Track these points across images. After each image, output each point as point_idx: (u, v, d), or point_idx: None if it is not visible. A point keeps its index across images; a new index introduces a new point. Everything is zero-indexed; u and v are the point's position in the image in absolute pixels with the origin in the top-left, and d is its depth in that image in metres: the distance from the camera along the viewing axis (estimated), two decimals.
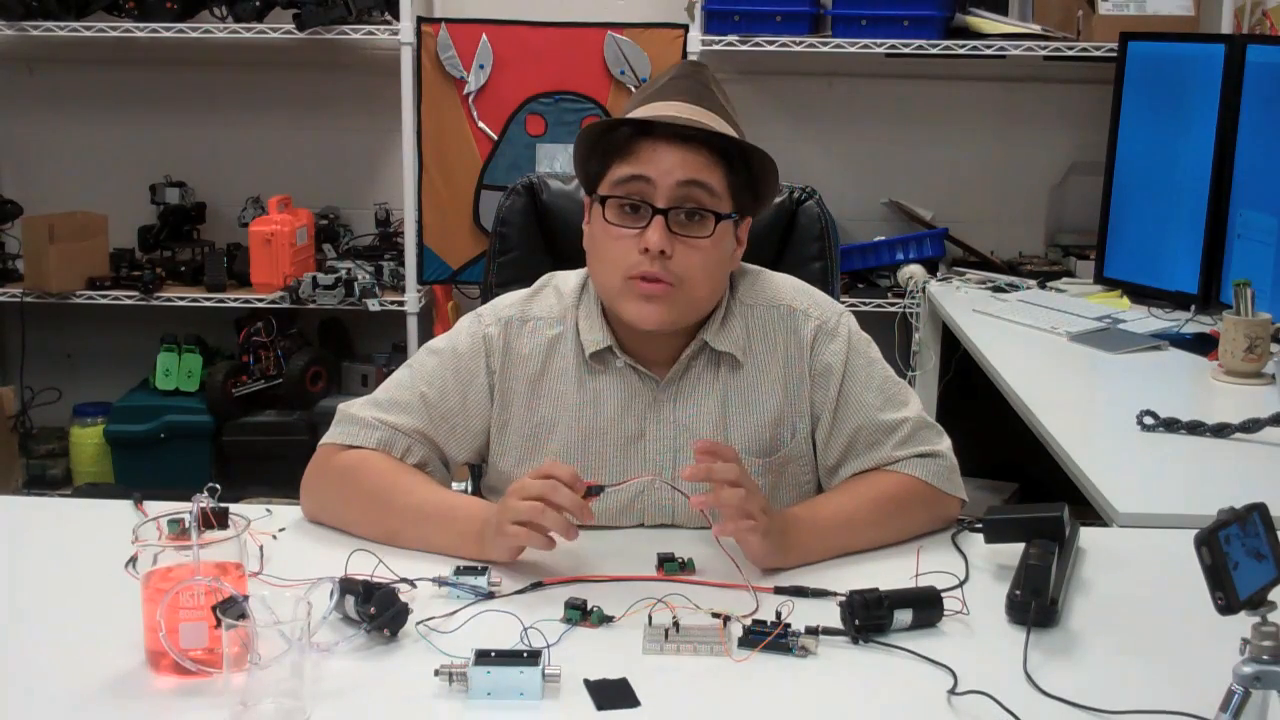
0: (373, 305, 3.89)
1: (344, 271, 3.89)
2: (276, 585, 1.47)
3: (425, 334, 3.96)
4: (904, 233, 4.00)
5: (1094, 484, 2.00)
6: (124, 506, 1.76)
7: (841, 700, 1.32)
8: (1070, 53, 3.75)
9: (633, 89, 3.75)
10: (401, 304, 3.91)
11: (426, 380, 1.77)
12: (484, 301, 1.95)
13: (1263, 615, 1.13)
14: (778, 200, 2.12)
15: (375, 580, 1.45)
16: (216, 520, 1.41)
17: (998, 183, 4.16)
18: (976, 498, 3.37)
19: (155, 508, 1.65)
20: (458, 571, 1.51)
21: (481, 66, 3.79)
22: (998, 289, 3.54)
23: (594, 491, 1.55)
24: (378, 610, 1.39)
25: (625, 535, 1.73)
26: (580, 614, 1.44)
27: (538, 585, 1.53)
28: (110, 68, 4.17)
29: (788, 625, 1.39)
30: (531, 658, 1.30)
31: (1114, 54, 3.53)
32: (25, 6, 3.81)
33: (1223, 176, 3.16)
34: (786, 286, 1.83)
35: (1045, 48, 3.77)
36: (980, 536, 1.65)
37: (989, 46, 3.77)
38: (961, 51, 3.78)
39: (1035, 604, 1.44)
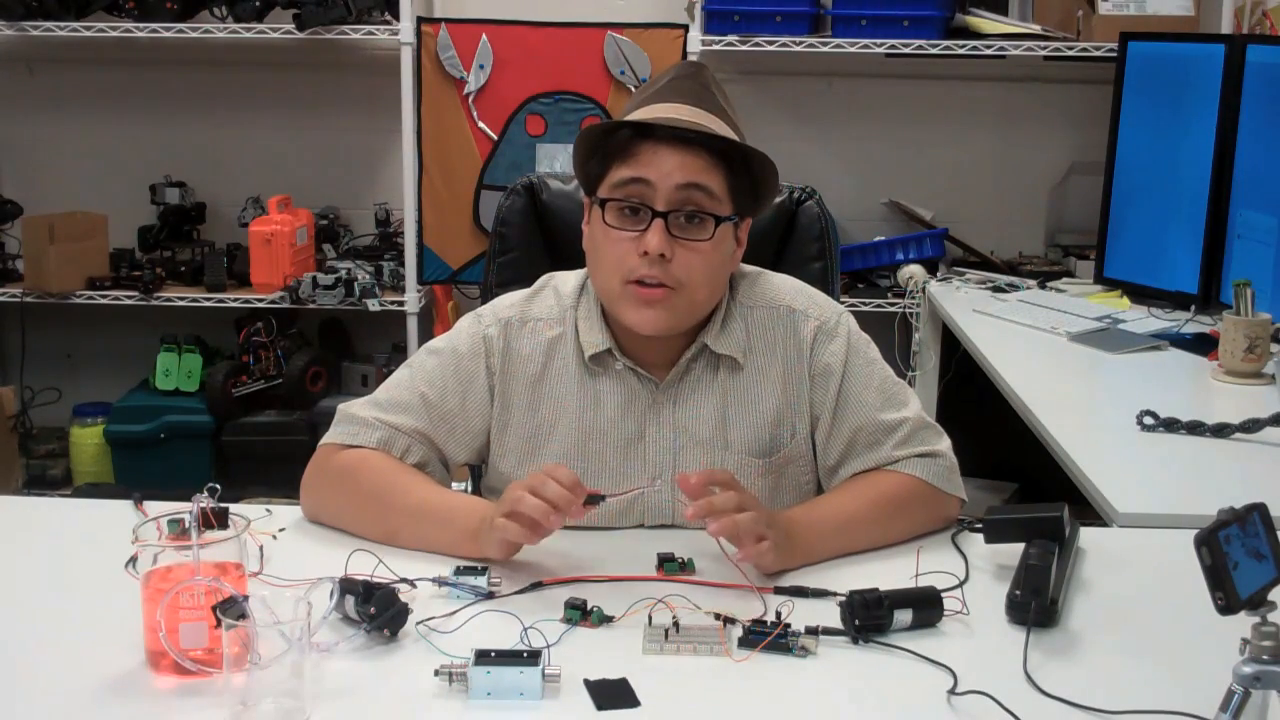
0: (373, 305, 3.89)
1: (344, 271, 3.89)
2: (276, 585, 1.46)
3: (425, 334, 3.96)
4: (904, 233, 4.00)
5: (1094, 484, 2.00)
6: (124, 506, 1.76)
7: (841, 700, 1.32)
8: (1070, 53, 3.75)
9: (633, 89, 3.75)
10: (401, 304, 3.91)
11: (426, 380, 1.77)
12: (484, 301, 1.95)
13: (1263, 615, 1.13)
14: (778, 200, 2.12)
15: (375, 580, 1.45)
16: (216, 520, 1.41)
17: (998, 183, 4.16)
18: (976, 498, 3.37)
19: (155, 508, 1.65)
20: (458, 571, 1.51)
21: (481, 66, 3.79)
22: (998, 289, 3.54)
23: (594, 500, 1.55)
24: (378, 610, 1.39)
25: (625, 535, 1.73)
26: (580, 614, 1.44)
27: (538, 585, 1.53)
28: (110, 68, 4.17)
29: (788, 625, 1.39)
30: (531, 658, 1.30)
31: (1114, 54, 3.53)
32: (25, 6, 3.81)
33: (1223, 176, 3.16)
34: (786, 287, 1.83)
35: (1045, 48, 3.77)
36: (980, 536, 1.65)
37: (989, 46, 3.77)
38: (961, 51, 3.78)
39: (1035, 604, 1.44)
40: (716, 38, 3.74)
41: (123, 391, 4.15)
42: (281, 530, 1.70)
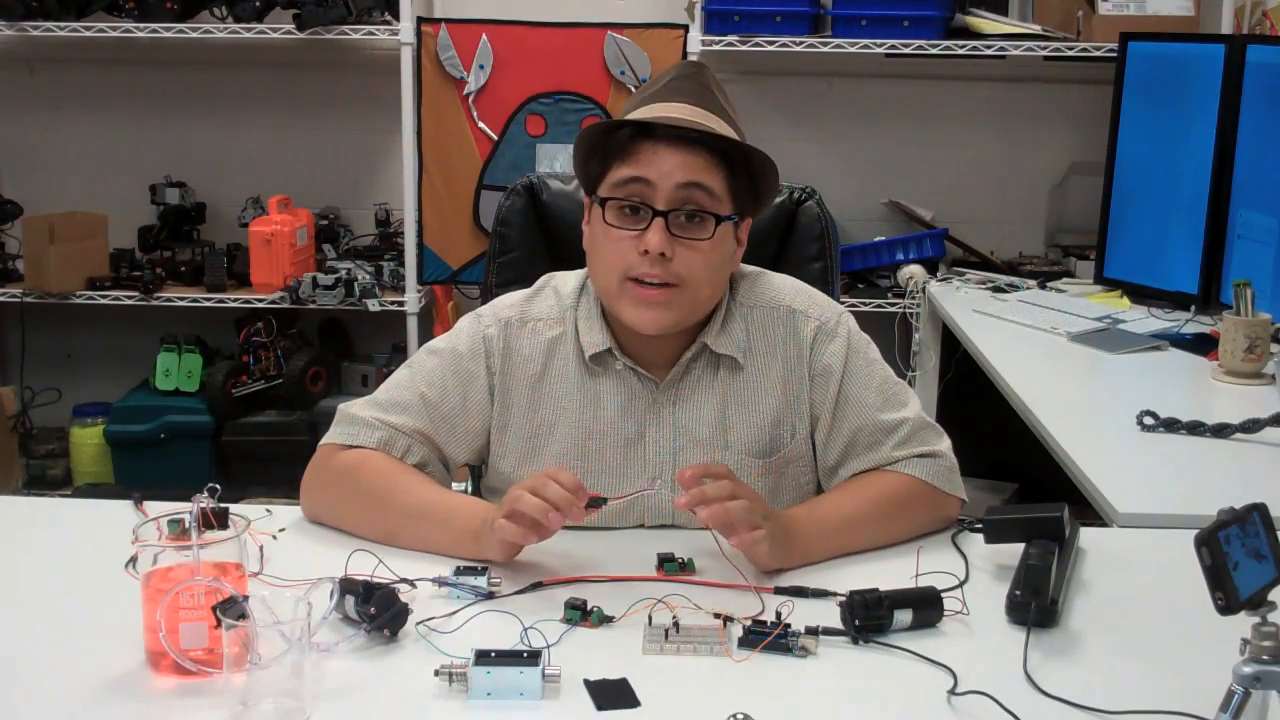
0: (373, 305, 3.89)
1: (344, 271, 3.89)
2: (276, 585, 1.46)
3: (425, 334, 3.96)
4: (904, 233, 4.00)
5: (1094, 484, 2.00)
6: (124, 506, 1.76)
7: (841, 700, 1.32)
8: (1070, 53, 3.75)
9: (633, 89, 3.75)
10: (401, 304, 3.91)
11: (426, 381, 1.77)
12: (484, 301, 1.95)
13: (1263, 615, 1.13)
14: (778, 200, 2.12)
15: (375, 580, 1.45)
16: (216, 520, 1.41)
17: (998, 183, 4.16)
18: (976, 498, 3.37)
19: (155, 508, 1.65)
20: (458, 571, 1.51)
21: (481, 66, 3.79)
22: (998, 289, 3.54)
23: (596, 503, 1.55)
24: (378, 610, 1.39)
25: (625, 535, 1.73)
26: (580, 614, 1.44)
27: (538, 585, 1.53)
28: (110, 68, 4.17)
29: (788, 625, 1.39)
30: (531, 658, 1.30)
31: (1114, 54, 3.53)
32: (25, 6, 3.81)
33: (1223, 176, 3.16)
34: (786, 287, 1.83)
35: (1045, 48, 3.77)
36: (980, 536, 1.65)
37: (989, 47, 3.77)
38: (961, 52, 3.78)
39: (1035, 604, 1.44)
40: (716, 38, 3.74)
41: (123, 391, 4.15)
42: (281, 530, 1.70)
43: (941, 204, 4.09)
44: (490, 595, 1.50)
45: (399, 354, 4.07)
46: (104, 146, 4.23)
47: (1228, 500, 1.18)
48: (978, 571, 1.60)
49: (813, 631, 1.39)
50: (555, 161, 3.80)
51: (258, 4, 3.78)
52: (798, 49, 3.75)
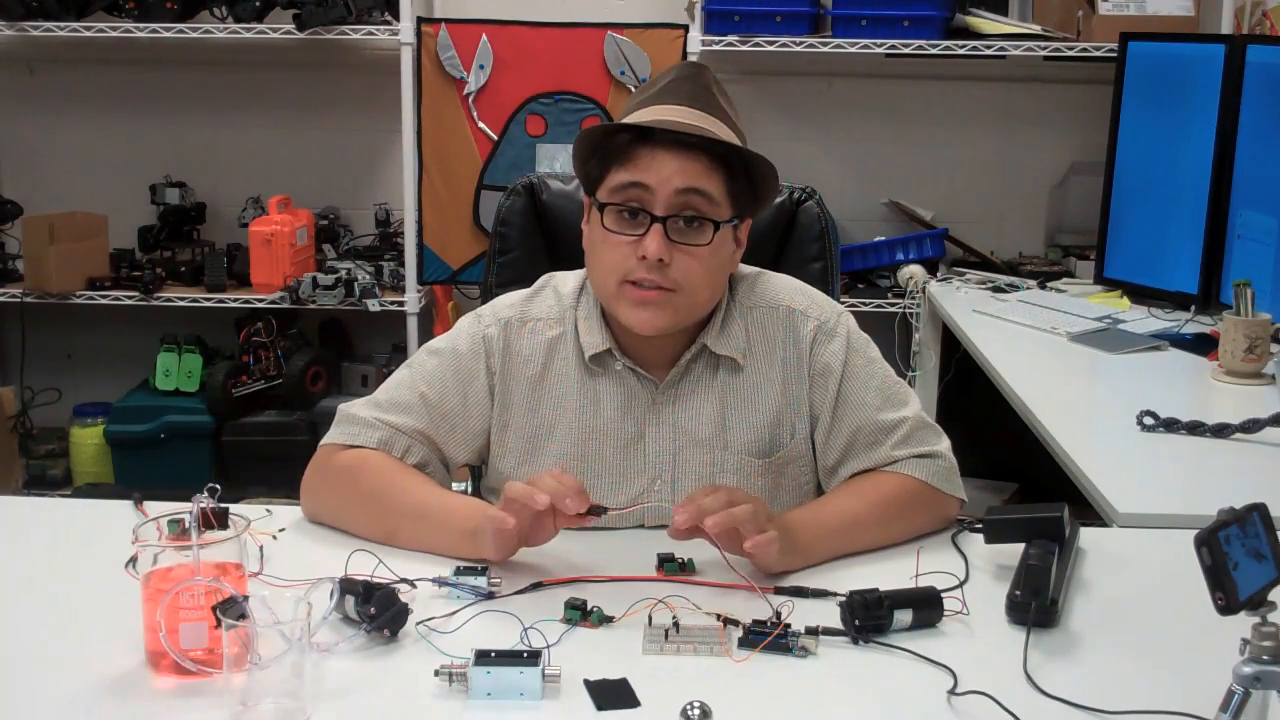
0: (373, 305, 3.89)
1: (344, 271, 3.89)
2: (276, 585, 1.46)
3: (425, 334, 3.96)
4: (904, 233, 4.00)
5: (1094, 484, 2.00)
6: (124, 506, 1.76)
7: (841, 700, 1.32)
8: (1070, 53, 3.75)
9: (633, 89, 3.75)
10: (401, 304, 3.91)
11: (426, 381, 1.77)
12: (484, 301, 1.95)
13: (1263, 615, 1.13)
14: (778, 200, 2.12)
15: (375, 580, 1.45)
16: (216, 520, 1.40)
17: (998, 183, 4.16)
18: (976, 498, 3.37)
19: (155, 508, 1.65)
20: (458, 571, 1.51)
21: (481, 66, 3.79)
22: (998, 289, 3.54)
23: (596, 511, 1.54)
24: (378, 610, 1.38)
25: (625, 536, 1.73)
26: (580, 614, 1.44)
27: (538, 585, 1.53)
28: (110, 68, 4.17)
29: (788, 625, 1.39)
30: (531, 658, 1.30)
31: (1114, 54, 3.53)
32: (25, 6, 3.81)
33: (1223, 176, 3.16)
34: (785, 287, 1.83)
35: (1045, 48, 3.77)
36: (980, 536, 1.65)
37: (989, 47, 3.77)
38: (961, 52, 3.78)
39: (1035, 604, 1.44)
40: (716, 38, 3.74)
41: (123, 391, 4.15)
42: (281, 530, 1.70)
43: (941, 204, 4.09)
44: (490, 595, 1.50)
45: (399, 354, 4.07)
46: (104, 146, 4.23)
47: (1228, 500, 1.18)
48: (978, 571, 1.60)
49: (813, 631, 1.39)
50: (555, 161, 3.80)
51: (258, 4, 3.78)
52: (798, 49, 3.75)
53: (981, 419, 3.02)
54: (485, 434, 1.80)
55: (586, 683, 1.30)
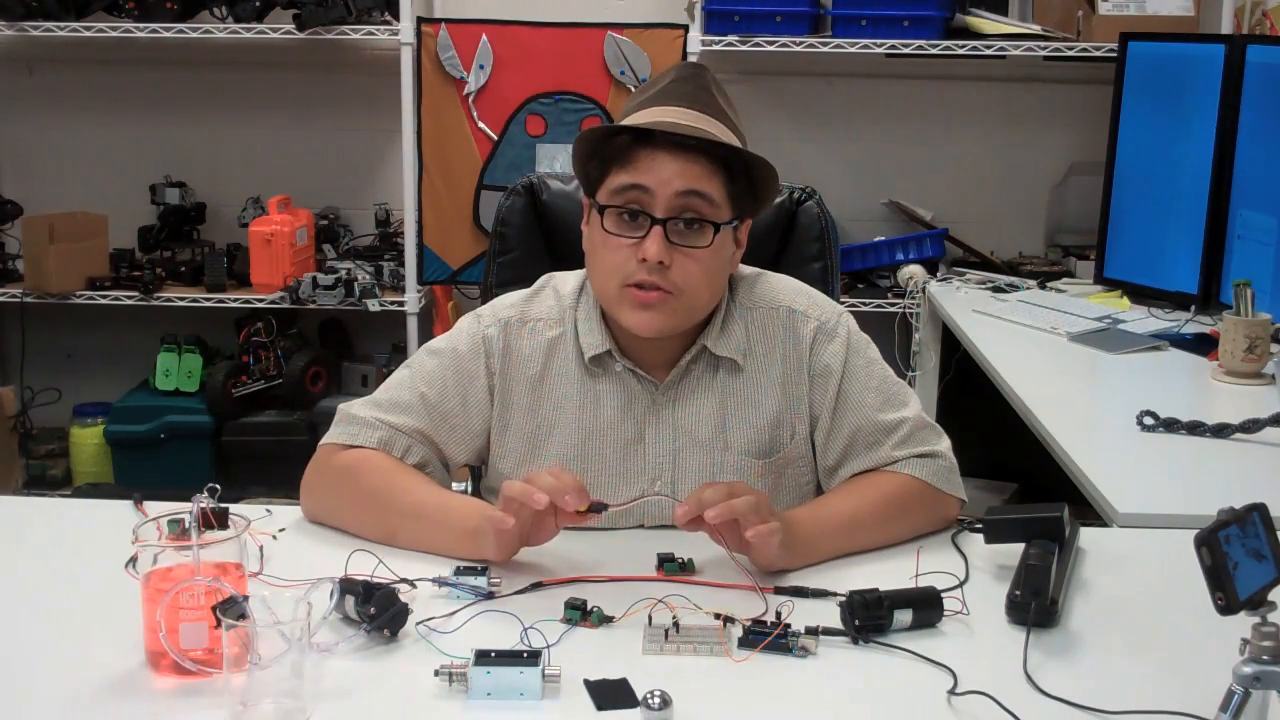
0: (373, 305, 3.89)
1: (344, 271, 3.89)
2: (276, 585, 1.46)
3: (425, 334, 3.96)
4: (904, 233, 4.00)
5: (1094, 484, 2.00)
6: (124, 506, 1.76)
7: (841, 700, 1.32)
8: (1070, 53, 3.75)
9: (633, 89, 3.74)
10: (401, 304, 3.91)
11: (426, 381, 1.77)
12: (484, 302, 1.95)
13: (1263, 615, 1.13)
14: (778, 200, 2.12)
15: (375, 580, 1.45)
16: (216, 520, 1.41)
17: (998, 183, 4.16)
18: (976, 498, 3.37)
19: (155, 508, 1.65)
20: (458, 571, 1.51)
21: (481, 66, 3.79)
22: (998, 289, 3.54)
23: (597, 509, 1.54)
24: (378, 610, 1.38)
25: (625, 536, 1.73)
26: (580, 614, 1.44)
27: (538, 585, 1.53)
28: (110, 68, 4.17)
29: (788, 625, 1.39)
30: (531, 658, 1.30)
31: (1114, 54, 3.53)
32: (25, 6, 3.81)
33: (1223, 176, 3.16)
34: (785, 288, 1.83)
35: (1045, 48, 3.77)
36: (980, 536, 1.65)
37: (989, 47, 3.77)
38: (961, 52, 3.78)
39: (1035, 604, 1.44)
40: (716, 38, 3.74)
41: (123, 391, 4.15)
42: (281, 530, 1.70)
43: (941, 204, 4.09)
44: (490, 595, 1.50)
45: (399, 354, 4.07)
46: (104, 146, 4.23)
47: (1228, 500, 1.18)
48: (978, 571, 1.60)
49: (813, 631, 1.39)
50: (555, 161, 3.80)
51: (258, 4, 3.78)
52: (798, 49, 3.75)
53: (981, 419, 3.02)
54: (485, 434, 1.80)
55: (586, 683, 1.30)
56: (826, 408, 1.77)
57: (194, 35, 3.83)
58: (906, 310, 3.75)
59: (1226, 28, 3.69)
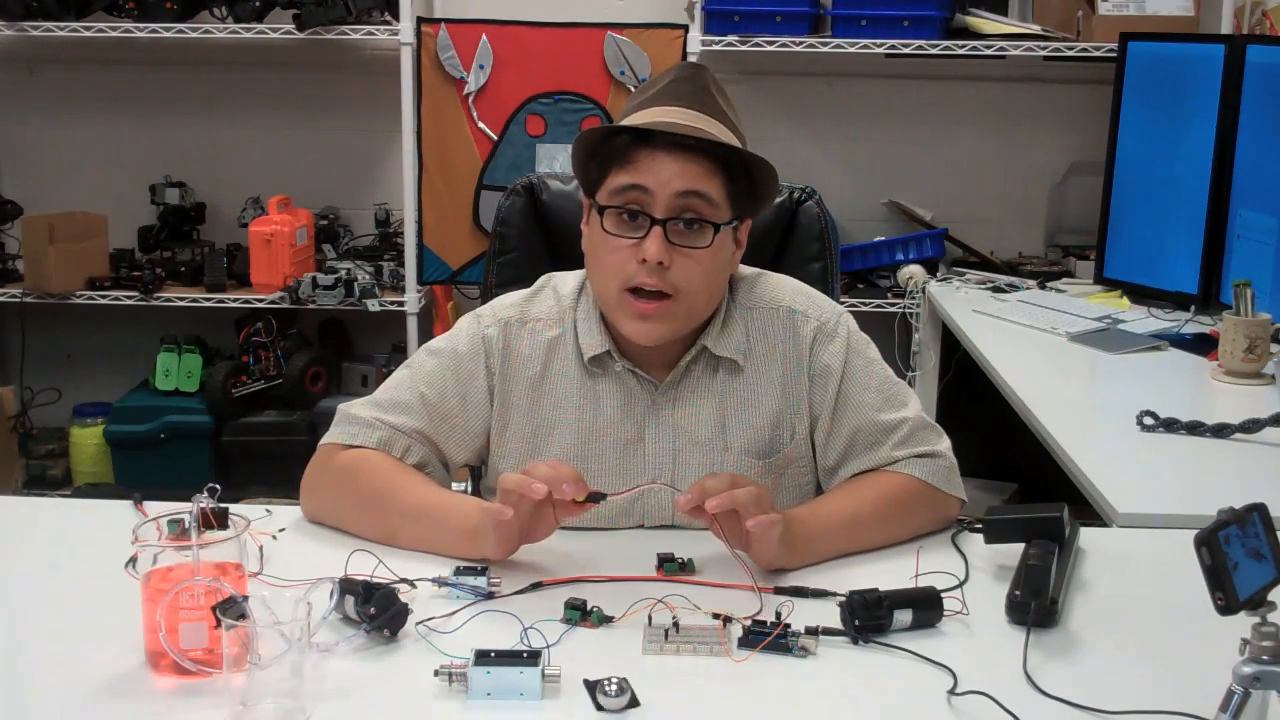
0: (373, 305, 3.89)
1: (344, 272, 3.89)
2: (276, 585, 1.46)
3: (425, 334, 3.96)
4: (904, 233, 4.00)
5: (1094, 484, 2.00)
6: (124, 506, 1.76)
7: (841, 700, 1.32)
8: (1070, 53, 3.75)
9: (633, 89, 3.74)
10: (401, 304, 3.91)
11: (426, 381, 1.77)
12: (484, 301, 1.95)
13: (1263, 615, 1.13)
14: (777, 200, 2.12)
15: (375, 580, 1.45)
16: (216, 520, 1.41)
17: (998, 183, 4.16)
18: (976, 498, 3.37)
19: (155, 508, 1.65)
20: (458, 571, 1.51)
21: (481, 67, 3.79)
22: (997, 289, 3.54)
23: (595, 498, 1.54)
24: (378, 610, 1.38)
25: (625, 536, 1.73)
26: (580, 614, 1.44)
27: (538, 585, 1.53)
28: (110, 68, 4.17)
29: (788, 625, 1.39)
30: (531, 658, 1.30)
31: (1114, 54, 3.53)
32: (25, 6, 3.81)
33: (1223, 176, 3.16)
34: (785, 288, 1.83)
35: (1045, 48, 3.77)
36: (980, 536, 1.65)
37: (989, 47, 3.77)
38: (961, 52, 3.78)
39: (1035, 604, 1.44)
40: (716, 38, 3.74)
41: (123, 391, 4.15)
42: (281, 530, 1.70)
43: (941, 204, 4.09)
44: (490, 595, 1.50)
45: (399, 354, 4.07)
46: (104, 146, 4.23)
47: (1228, 500, 1.18)
48: (978, 571, 1.60)
49: (813, 631, 1.39)
50: (555, 161, 3.80)
51: (258, 4, 3.78)
52: (798, 49, 3.75)
53: (981, 419, 3.02)
54: (485, 434, 1.80)
55: (586, 683, 1.30)
56: (826, 408, 1.77)
57: (194, 35, 3.83)
58: (906, 310, 3.75)
59: (1226, 28, 3.69)
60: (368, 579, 1.45)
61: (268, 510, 1.76)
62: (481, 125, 3.83)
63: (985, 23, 3.76)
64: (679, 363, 1.76)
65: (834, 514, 1.67)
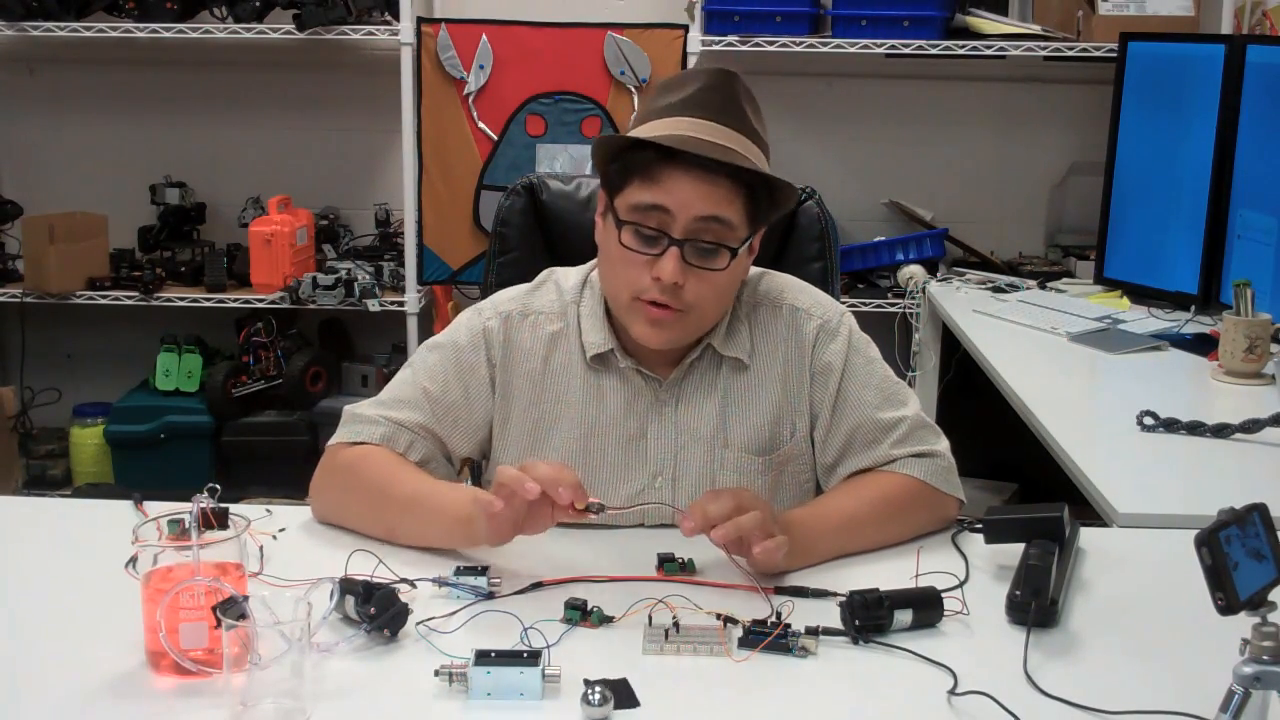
0: (373, 305, 3.89)
1: (344, 272, 3.89)
2: (276, 585, 1.46)
3: (425, 334, 3.96)
4: (904, 233, 4.00)
5: (1094, 484, 2.00)
6: (124, 507, 1.76)
7: (841, 700, 1.32)
8: (1070, 53, 3.75)
9: (633, 89, 3.75)
10: (401, 304, 3.91)
11: (428, 375, 1.77)
12: None
13: (1263, 615, 1.13)
14: None
15: (375, 580, 1.45)
16: (216, 520, 1.41)
17: (998, 183, 4.16)
18: (976, 498, 3.37)
19: (155, 508, 1.65)
20: (458, 572, 1.51)
21: (481, 67, 3.79)
22: (998, 289, 3.54)
23: (595, 509, 1.52)
24: (378, 610, 1.38)
25: (625, 536, 1.73)
26: (580, 614, 1.44)
27: (538, 585, 1.53)
28: (110, 68, 4.17)
29: (788, 625, 1.39)
30: (531, 658, 1.30)
31: (1114, 54, 3.53)
32: (25, 6, 3.81)
33: (1223, 176, 3.16)
34: (789, 286, 1.83)
35: (1045, 48, 3.77)
36: (980, 536, 1.65)
37: (989, 47, 3.77)
38: (961, 52, 3.78)
39: (1035, 604, 1.44)
40: (716, 38, 3.74)
41: (123, 391, 4.15)
42: (281, 530, 1.70)
43: (941, 204, 4.09)
44: (490, 595, 1.50)
45: (399, 354, 4.07)
46: (104, 146, 4.23)
47: (1228, 500, 1.18)
48: (978, 571, 1.60)
49: (813, 631, 1.39)
50: (555, 161, 3.80)
51: (258, 4, 3.78)
52: (798, 49, 3.75)
53: (981, 419, 3.02)
54: (488, 426, 1.79)
55: (586, 683, 1.30)
56: (826, 405, 1.77)
57: (194, 35, 3.83)
58: (906, 310, 3.75)
59: (1226, 28, 3.69)
60: (368, 579, 1.45)
61: (268, 510, 1.76)
62: (481, 125, 3.83)
63: (985, 23, 3.76)
64: (683, 361, 1.76)
65: (833, 515, 1.67)
